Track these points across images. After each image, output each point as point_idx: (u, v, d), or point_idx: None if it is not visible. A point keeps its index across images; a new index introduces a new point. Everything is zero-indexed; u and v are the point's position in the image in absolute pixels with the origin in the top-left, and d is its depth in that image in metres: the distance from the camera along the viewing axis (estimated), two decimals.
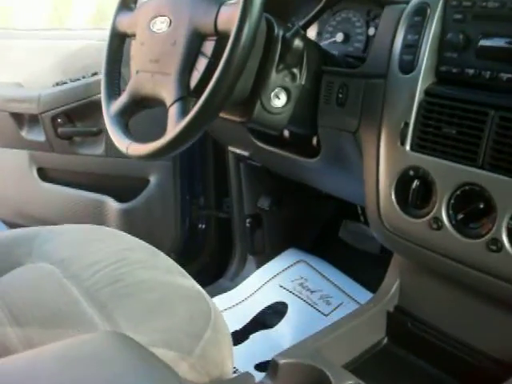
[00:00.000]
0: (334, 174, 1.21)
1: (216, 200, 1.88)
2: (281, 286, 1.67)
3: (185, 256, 1.83)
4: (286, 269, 1.72)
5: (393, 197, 0.95)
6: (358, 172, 1.11)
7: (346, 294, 1.61)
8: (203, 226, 1.89)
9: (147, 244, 1.14)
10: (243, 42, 0.82)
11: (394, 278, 1.08)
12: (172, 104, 0.94)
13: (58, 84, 1.82)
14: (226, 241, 1.89)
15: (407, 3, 0.96)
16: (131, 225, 1.82)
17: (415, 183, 0.91)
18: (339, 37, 1.19)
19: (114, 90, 1.14)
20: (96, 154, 1.83)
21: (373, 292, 1.53)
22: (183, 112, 0.92)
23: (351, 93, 1.03)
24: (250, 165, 1.64)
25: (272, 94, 1.01)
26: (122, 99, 1.09)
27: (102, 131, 1.80)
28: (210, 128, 1.55)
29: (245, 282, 1.71)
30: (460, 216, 0.86)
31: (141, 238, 1.16)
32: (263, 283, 1.69)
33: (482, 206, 0.84)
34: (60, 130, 1.83)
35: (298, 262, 1.75)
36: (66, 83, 1.81)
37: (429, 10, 0.91)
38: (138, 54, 1.06)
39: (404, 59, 0.93)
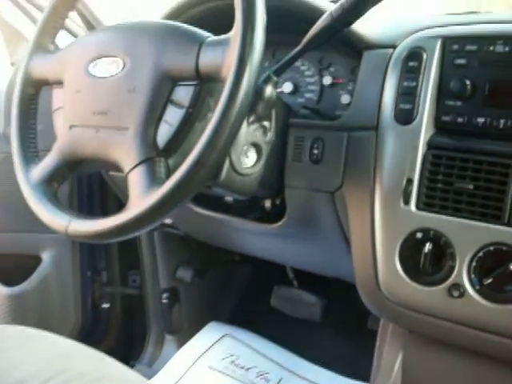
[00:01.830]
0: (299, 241, 1.07)
1: (121, 274, 1.64)
2: (210, 367, 1.47)
3: (86, 342, 1.56)
4: (211, 346, 1.53)
5: (397, 264, 0.83)
6: (332, 237, 0.99)
7: (285, 368, 1.45)
8: (107, 306, 1.64)
9: (84, 345, 0.90)
10: (245, 88, 0.66)
11: (394, 355, 0.95)
12: (133, 168, 0.74)
13: None
14: (133, 321, 1.65)
15: (392, 47, 0.87)
16: (22, 312, 1.53)
17: (427, 247, 0.79)
18: (287, 87, 1.08)
19: (31, 151, 0.92)
20: None
21: (313, 362, 1.41)
22: (152, 178, 0.73)
23: (329, 148, 0.90)
24: (167, 233, 1.45)
25: (242, 151, 0.86)
26: (48, 163, 0.87)
27: None
28: (119, 190, 1.34)
29: (167, 367, 1.49)
30: (487, 280, 0.76)
31: (35, 327, 0.94)
32: (189, 366, 1.47)
33: None
34: None
35: (223, 336, 1.56)
36: None
37: (425, 55, 0.82)
38: (71, 105, 0.85)
39: (401, 108, 0.83)
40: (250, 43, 0.66)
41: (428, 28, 0.85)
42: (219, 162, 0.69)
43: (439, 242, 0.79)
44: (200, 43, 0.72)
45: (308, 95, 1.07)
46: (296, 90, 1.08)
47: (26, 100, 0.93)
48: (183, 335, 1.57)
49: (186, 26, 0.76)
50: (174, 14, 1.05)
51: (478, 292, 0.77)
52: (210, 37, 0.73)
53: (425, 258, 0.80)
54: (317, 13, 0.87)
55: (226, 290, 1.66)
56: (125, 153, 0.76)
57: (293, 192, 0.96)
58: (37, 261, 1.54)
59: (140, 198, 0.71)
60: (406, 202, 0.82)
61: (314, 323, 1.45)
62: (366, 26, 0.89)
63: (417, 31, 0.86)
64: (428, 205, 0.81)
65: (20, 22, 1.47)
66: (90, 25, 1.22)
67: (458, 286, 0.78)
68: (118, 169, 0.79)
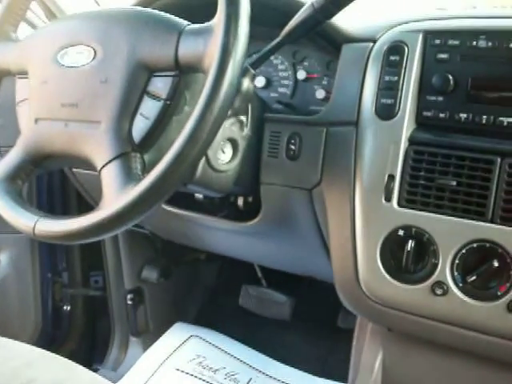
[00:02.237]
0: (273, 239, 1.04)
1: (82, 275, 1.58)
2: (177, 369, 1.43)
3: (47, 346, 1.50)
4: (178, 348, 1.49)
5: (378, 262, 0.81)
6: (308, 236, 0.97)
7: (254, 368, 1.43)
8: (68, 308, 1.58)
9: (48, 352, 0.85)
10: (229, 79, 0.63)
11: (374, 354, 0.93)
12: (107, 163, 0.70)
13: None
14: (95, 323, 1.60)
15: (373, 41, 0.85)
16: None
17: (410, 244, 0.78)
18: (260, 81, 1.05)
19: None
20: None
21: (283, 362, 1.38)
22: (127, 174, 0.69)
23: (306, 144, 0.88)
24: (131, 231, 1.40)
25: (218, 147, 0.83)
26: (11, 159, 0.82)
27: None
28: (82, 188, 1.29)
29: (133, 370, 1.44)
30: (471, 278, 0.75)
31: None
32: (155, 369, 1.43)
33: (496, 264, 0.73)
34: None
35: (189, 337, 1.52)
36: None
37: (406, 49, 0.81)
38: (37, 97, 0.80)
39: (382, 103, 0.81)
40: (235, 32, 0.63)
41: (409, 22, 0.84)
42: (200, 157, 0.66)
43: (422, 240, 0.78)
44: (179, 32, 0.68)
45: (281, 90, 1.04)
46: (269, 85, 1.05)
47: None
48: (148, 337, 1.53)
49: (162, 13, 0.73)
50: (145, 2, 1.00)
51: (462, 290, 0.76)
52: (190, 25, 0.69)
53: (407, 255, 0.78)
54: (295, 5, 0.85)
55: (191, 290, 1.63)
56: (97, 148, 0.72)
57: (268, 189, 0.93)
58: None
59: (115, 195, 0.67)
60: (388, 198, 0.80)
61: (283, 322, 1.43)
62: (345, 19, 0.87)
63: (398, 25, 0.84)
64: (410, 201, 0.79)
65: None
66: (52, 14, 1.16)
67: (441, 283, 0.77)
68: (88, 165, 0.74)
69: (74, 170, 1.22)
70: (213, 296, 1.65)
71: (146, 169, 0.70)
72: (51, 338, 1.54)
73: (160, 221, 1.20)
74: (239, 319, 1.54)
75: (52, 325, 1.54)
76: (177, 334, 1.53)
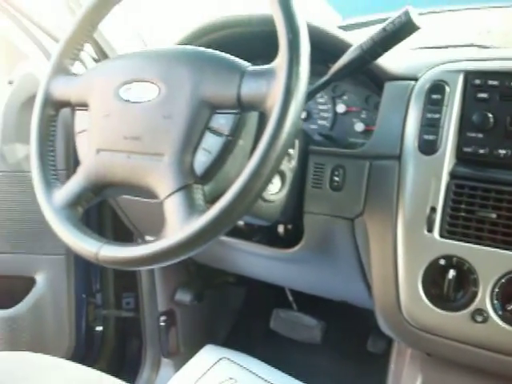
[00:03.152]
0: (312, 266, 1.08)
1: (115, 297, 1.63)
2: None
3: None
4: (209, 369, 1.52)
5: (420, 290, 0.85)
6: (347, 263, 1.01)
7: None
8: (100, 328, 1.62)
9: (106, 374, 0.90)
10: (292, 118, 0.68)
11: (413, 379, 0.97)
12: (170, 194, 0.74)
13: None
14: (126, 344, 1.64)
15: (414, 79, 0.90)
16: (16, 335, 1.50)
17: (451, 274, 0.82)
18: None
19: (51, 173, 0.91)
20: None
21: None
22: (191, 205, 0.73)
23: (350, 175, 0.93)
24: None
25: None
26: (72, 187, 0.86)
27: None
28: (123, 212, 1.34)
29: None
30: (510, 306, 0.79)
31: (28, 350, 0.93)
32: None
33: None
34: None
35: (220, 359, 1.55)
36: None
37: (448, 88, 0.86)
38: (99, 129, 0.85)
39: (425, 139, 0.86)
40: (296, 75, 0.67)
41: (450, 62, 0.89)
42: (263, 191, 0.70)
43: (462, 269, 0.82)
44: (241, 73, 0.73)
45: (321, 122, 1.09)
46: (309, 117, 1.10)
47: (45, 121, 0.92)
48: (179, 358, 1.56)
49: (223, 54, 0.78)
50: (193, 38, 1.06)
51: (501, 317, 0.80)
52: (250, 66, 0.74)
53: (448, 284, 0.82)
54: (342, 45, 0.90)
55: (221, 313, 1.66)
56: (160, 179, 0.76)
57: (311, 218, 0.98)
58: (31, 283, 1.52)
59: (179, 225, 0.71)
60: (430, 229, 0.84)
61: (313, 346, 1.46)
62: (388, 58, 0.92)
63: (438, 65, 0.89)
64: (451, 232, 0.83)
65: (19, 38, 1.45)
66: (103, 53, 1.23)
67: (481, 311, 0.81)
68: (149, 195, 0.79)
69: (122, 204, 1.27)
70: (242, 319, 1.69)
71: (207, 200, 0.75)
72: (83, 357, 1.57)
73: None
74: (269, 342, 1.57)
75: (85, 344, 1.58)
76: (207, 356, 1.56)
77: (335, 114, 1.07)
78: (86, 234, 0.82)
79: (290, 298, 1.50)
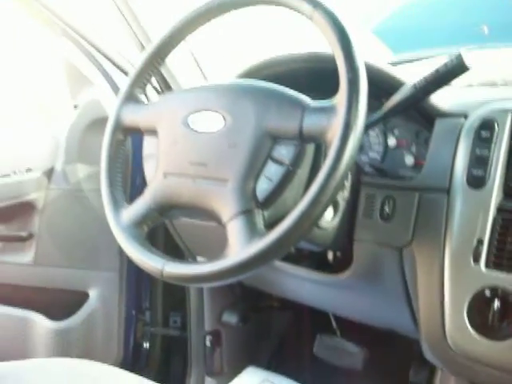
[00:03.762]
0: (360, 291, 1.12)
1: (163, 315, 1.69)
2: None
3: None
4: None
5: (465, 319, 0.88)
6: (394, 291, 1.04)
7: None
8: (147, 345, 1.68)
9: None
10: (351, 150, 0.73)
11: None
12: (233, 218, 0.80)
13: None
14: (171, 361, 1.69)
15: (464, 116, 0.94)
16: (66, 347, 1.57)
17: (496, 304, 0.85)
18: None
19: (119, 193, 0.98)
20: (22, 263, 1.59)
21: None
22: (252, 229, 0.78)
23: (399, 206, 0.97)
24: None
25: None
26: (140, 206, 0.92)
27: (32, 236, 1.57)
28: (177, 233, 1.41)
29: None
30: None
31: None
32: None
33: None
34: None
35: (261, 382, 1.58)
36: None
37: (496, 126, 0.90)
38: (167, 155, 0.91)
39: (474, 174, 0.90)
40: (355, 111, 0.73)
41: (498, 101, 0.93)
42: (320, 217, 0.76)
43: (507, 300, 0.85)
44: (303, 108, 0.79)
45: (372, 154, 1.14)
46: (361, 149, 1.15)
47: (115, 145, 0.98)
48: (223, 378, 1.60)
49: (286, 89, 0.84)
50: (254, 72, 1.13)
51: None
52: (312, 102, 0.80)
53: (493, 314, 0.85)
54: (395, 82, 0.95)
55: (264, 336, 1.70)
56: (223, 203, 0.82)
57: (361, 246, 1.02)
58: (84, 297, 1.59)
59: (241, 246, 0.77)
60: (476, 260, 0.88)
61: (355, 372, 1.48)
62: (438, 95, 0.97)
63: (487, 103, 0.94)
64: (497, 264, 0.87)
65: (84, 65, 1.54)
66: (167, 84, 1.31)
67: None
68: (213, 217, 0.85)
69: (176, 225, 1.34)
70: (285, 343, 1.72)
71: (267, 225, 0.80)
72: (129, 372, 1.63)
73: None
74: (310, 367, 1.60)
75: (131, 360, 1.64)
76: (250, 377, 1.59)
77: (386, 147, 1.12)
78: (151, 252, 0.88)
79: (334, 325, 1.53)
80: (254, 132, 0.82)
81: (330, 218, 0.94)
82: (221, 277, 0.79)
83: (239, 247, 0.77)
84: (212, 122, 0.87)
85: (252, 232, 0.78)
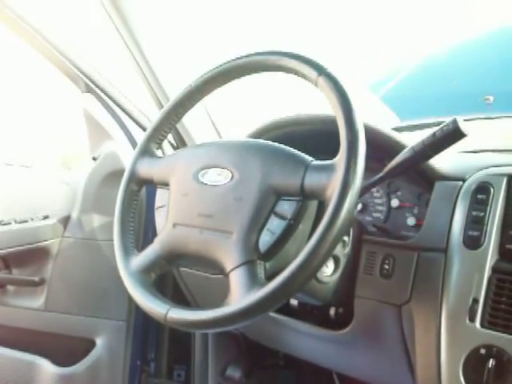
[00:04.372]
0: (361, 348, 1.14)
1: (167, 367, 1.70)
2: None
3: None
4: None
5: (461, 377, 0.90)
6: (394, 347, 1.06)
7: None
8: None
9: None
10: (348, 207, 0.77)
11: None
12: (235, 268, 0.84)
13: None
14: None
15: (462, 180, 0.98)
16: None
17: (491, 363, 0.87)
18: (357, 206, 1.19)
19: (130, 241, 1.02)
20: (33, 308, 1.63)
21: None
22: (253, 278, 0.82)
23: (399, 265, 1.00)
24: (222, 331, 1.52)
25: None
26: (149, 254, 0.97)
27: (44, 281, 1.61)
28: (184, 284, 1.44)
29: None
30: None
31: None
32: None
33: None
34: None
35: None
36: (9, 223, 1.62)
37: (492, 190, 0.94)
38: (177, 206, 0.96)
39: (470, 235, 0.93)
40: (354, 171, 0.78)
41: (495, 166, 0.98)
42: (318, 270, 0.79)
43: (502, 359, 0.87)
44: (305, 166, 0.84)
45: (375, 214, 1.18)
46: (365, 209, 1.18)
47: (129, 195, 1.04)
48: None
49: (289, 148, 0.89)
50: (262, 132, 1.19)
51: None
52: (314, 161, 0.85)
53: (488, 372, 0.87)
54: (396, 145, 1.01)
55: None
56: (227, 254, 0.86)
57: (361, 302, 1.05)
58: (91, 345, 1.62)
59: (241, 295, 0.80)
60: (472, 319, 0.90)
61: None
62: (438, 159, 1.02)
63: (484, 168, 0.98)
64: (492, 323, 0.89)
65: (105, 119, 1.62)
66: (182, 140, 1.38)
67: None
68: (217, 267, 0.89)
69: (183, 273, 1.38)
70: None
71: (268, 275, 0.84)
72: None
73: (254, 322, 1.32)
74: None
75: None
76: None
77: (389, 208, 1.15)
78: (157, 297, 0.91)
79: (337, 383, 1.53)
80: (259, 187, 0.86)
81: (330, 273, 0.98)
82: (221, 323, 0.82)
83: (240, 295, 0.81)
84: (220, 177, 0.92)
85: (253, 282, 0.81)
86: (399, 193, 1.15)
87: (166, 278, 1.61)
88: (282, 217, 0.85)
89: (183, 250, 0.94)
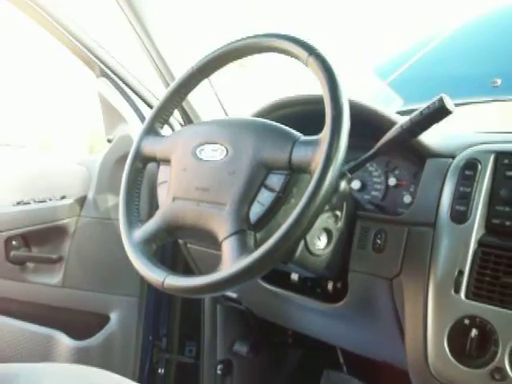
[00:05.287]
0: (356, 321, 1.18)
1: (179, 343, 1.76)
2: None
3: None
4: None
5: (445, 346, 0.93)
6: (387, 320, 1.09)
7: None
8: (162, 371, 1.74)
9: None
10: (330, 179, 0.81)
11: None
12: (227, 237, 0.89)
13: (19, 203, 1.70)
14: None
15: (452, 157, 1.01)
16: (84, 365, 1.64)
17: (473, 333, 0.90)
18: (356, 184, 1.22)
19: (134, 215, 1.07)
20: (51, 284, 1.70)
21: None
22: (243, 246, 0.87)
23: (390, 239, 1.04)
24: (230, 307, 1.57)
25: (316, 234, 1.00)
26: (151, 226, 1.02)
27: (62, 259, 1.68)
28: (191, 259, 1.49)
29: None
30: None
31: None
32: None
33: None
34: (13, 253, 1.67)
35: None
36: (28, 203, 1.70)
37: (480, 166, 0.96)
38: (176, 181, 1.01)
39: (456, 209, 0.96)
40: (336, 146, 0.82)
41: (484, 143, 1.00)
42: (300, 239, 0.83)
43: (485, 329, 0.90)
44: (293, 141, 0.88)
45: (374, 193, 1.21)
46: (363, 188, 1.22)
47: (134, 172, 1.10)
48: None
49: (280, 125, 0.93)
50: (264, 113, 1.23)
51: None
52: (302, 136, 0.89)
53: (471, 342, 0.90)
54: (387, 122, 1.04)
55: (276, 370, 1.74)
56: (221, 224, 0.91)
57: (355, 276, 1.09)
58: (104, 319, 1.68)
59: (232, 262, 0.85)
60: (457, 290, 0.93)
61: None
62: (430, 137, 1.04)
63: (473, 145, 1.01)
64: (476, 295, 0.92)
65: (119, 103, 1.67)
66: (188, 118, 1.43)
67: (500, 369, 0.87)
68: (211, 237, 0.93)
69: (188, 245, 1.43)
70: (296, 378, 1.76)
71: (258, 244, 0.88)
72: None
73: (257, 298, 1.37)
74: None
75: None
76: None
77: (387, 186, 1.19)
78: (156, 266, 0.97)
79: (341, 360, 1.57)
80: (251, 162, 0.91)
81: (323, 246, 1.01)
82: (213, 288, 0.87)
83: (230, 262, 0.85)
84: (216, 153, 0.97)
85: (242, 250, 0.86)
86: (396, 171, 1.18)
87: (166, 250, 1.67)
88: (271, 189, 0.89)
89: (181, 222, 0.99)
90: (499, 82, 1.58)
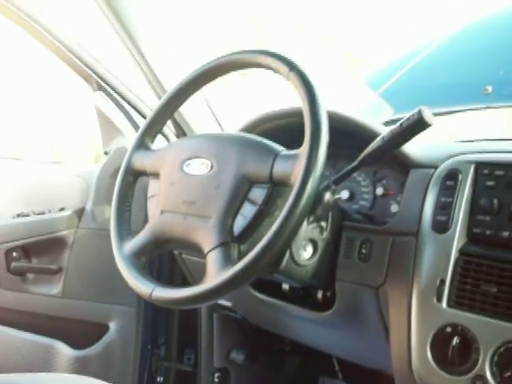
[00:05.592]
0: (345, 329, 1.20)
1: (178, 351, 1.78)
2: None
3: None
4: None
5: (428, 354, 0.95)
6: (374, 328, 1.11)
7: None
8: (161, 379, 1.76)
9: None
10: (308, 192, 0.83)
11: None
12: (212, 249, 0.91)
13: (19, 215, 1.73)
14: None
15: (434, 168, 1.03)
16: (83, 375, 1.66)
17: (455, 341, 0.91)
18: (344, 194, 1.24)
19: (125, 228, 1.10)
20: (51, 294, 1.72)
21: None
22: (227, 258, 0.89)
23: (376, 249, 1.05)
24: (226, 315, 1.59)
25: (301, 245, 1.02)
26: (140, 239, 1.05)
27: (61, 269, 1.70)
28: (187, 270, 1.51)
29: None
30: (507, 373, 0.87)
31: None
32: None
33: None
34: (13, 264, 1.70)
35: None
36: (28, 215, 1.73)
37: (460, 176, 0.98)
38: (164, 194, 1.04)
39: (438, 219, 0.98)
40: (315, 159, 0.84)
41: (464, 154, 1.02)
42: (282, 250, 0.85)
43: (466, 337, 0.91)
44: (274, 155, 0.91)
45: (362, 202, 1.23)
46: (352, 197, 1.24)
47: (125, 186, 1.12)
48: None
49: (263, 140, 0.96)
50: (251, 127, 1.26)
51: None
52: (283, 151, 0.92)
53: (453, 350, 0.92)
54: (371, 133, 1.06)
55: (273, 377, 1.76)
56: (206, 237, 0.93)
57: (342, 285, 1.10)
58: (104, 329, 1.70)
59: (216, 274, 0.88)
60: (439, 299, 0.95)
61: None
62: (413, 147, 1.06)
63: (455, 156, 1.03)
64: (458, 303, 0.94)
65: (116, 116, 1.70)
66: (182, 130, 1.45)
67: (481, 377, 0.89)
68: (196, 249, 0.96)
69: (184, 256, 1.46)
70: None
71: (241, 256, 0.90)
72: None
73: (251, 306, 1.39)
74: None
75: None
76: None
77: (375, 196, 1.21)
78: (145, 278, 0.99)
79: (337, 368, 1.59)
80: (235, 176, 0.94)
81: (308, 257, 1.03)
82: (199, 300, 0.90)
83: (215, 274, 0.88)
84: (202, 167, 1.00)
85: (226, 262, 0.89)
86: (384, 181, 1.20)
87: (163, 261, 1.69)
88: (253, 203, 0.92)
89: (169, 235, 1.01)
90: (490, 89, 1.60)
